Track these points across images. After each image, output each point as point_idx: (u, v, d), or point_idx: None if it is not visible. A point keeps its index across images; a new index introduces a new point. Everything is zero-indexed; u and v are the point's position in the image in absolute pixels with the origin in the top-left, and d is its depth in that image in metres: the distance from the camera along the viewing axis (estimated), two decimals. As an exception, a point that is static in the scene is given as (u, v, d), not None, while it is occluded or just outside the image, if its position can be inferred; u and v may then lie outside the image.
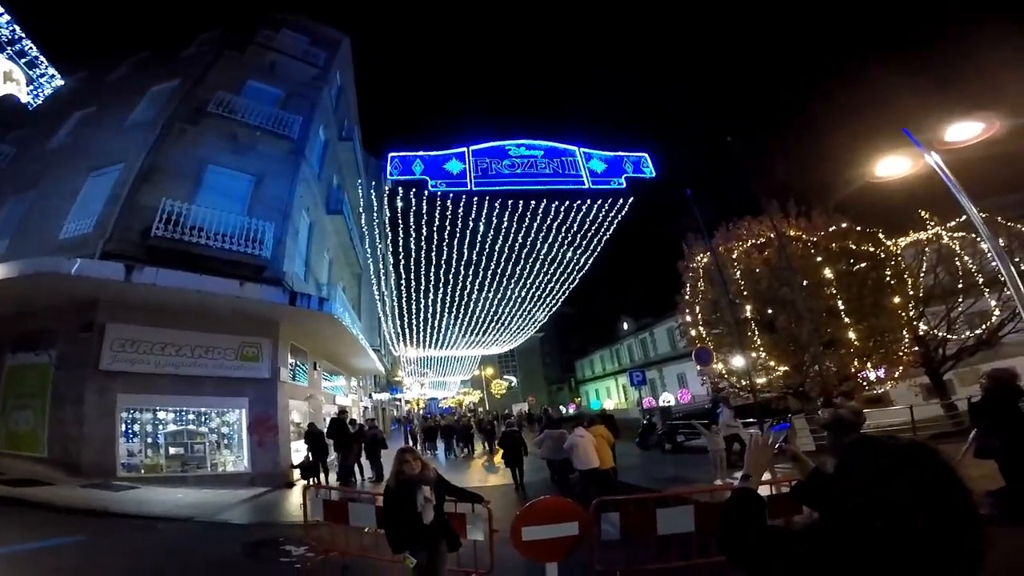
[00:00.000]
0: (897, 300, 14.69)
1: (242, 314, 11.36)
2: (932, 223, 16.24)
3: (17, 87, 12.56)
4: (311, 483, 11.93)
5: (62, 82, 15.10)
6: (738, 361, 15.89)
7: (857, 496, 1.11)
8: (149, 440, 10.42)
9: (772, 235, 15.50)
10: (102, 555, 5.59)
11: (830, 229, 15.36)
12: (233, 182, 13.30)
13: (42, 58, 14.65)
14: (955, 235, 15.95)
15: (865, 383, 14.91)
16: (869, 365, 14.62)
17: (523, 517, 4.11)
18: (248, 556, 6.02)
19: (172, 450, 10.63)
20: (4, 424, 10.27)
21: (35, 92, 15.27)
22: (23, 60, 14.59)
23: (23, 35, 13.84)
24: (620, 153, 13.18)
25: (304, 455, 12.74)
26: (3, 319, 10.66)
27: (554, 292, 22.54)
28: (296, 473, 12.21)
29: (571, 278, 20.70)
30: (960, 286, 15.61)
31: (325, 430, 12.48)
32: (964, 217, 15.83)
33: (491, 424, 21.63)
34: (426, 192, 12.60)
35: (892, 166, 9.38)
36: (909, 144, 9.17)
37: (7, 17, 13.43)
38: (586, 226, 16.06)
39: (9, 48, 14.13)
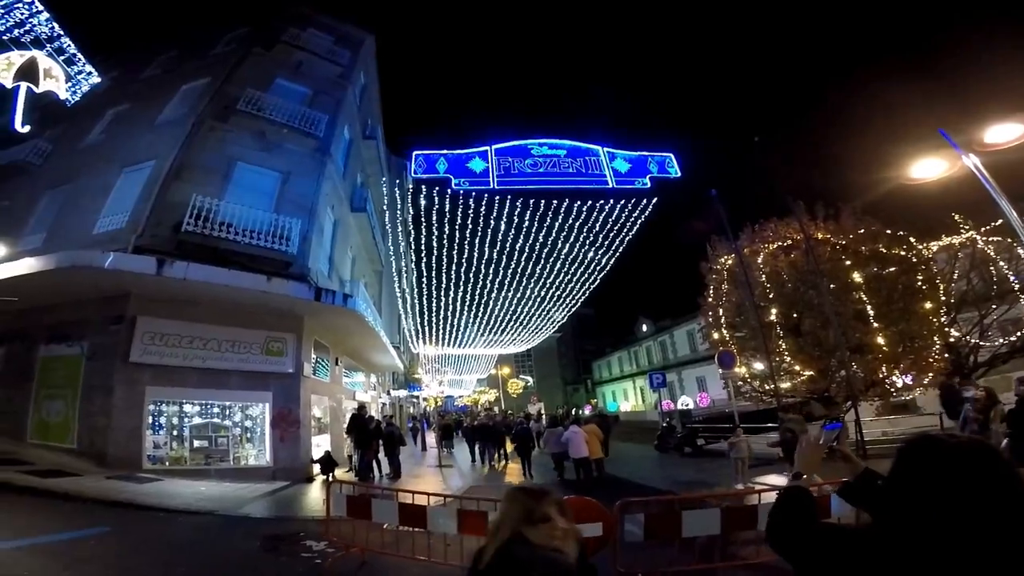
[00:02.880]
0: (929, 305, 14.30)
1: (268, 309, 11.54)
2: (966, 227, 15.78)
3: (56, 84, 12.91)
4: (331, 478, 12.13)
5: (99, 79, 15.49)
6: (759, 365, 15.65)
7: (920, 498, 1.09)
8: (175, 433, 10.60)
9: (799, 237, 15.22)
10: (124, 547, 5.68)
11: (859, 232, 14.99)
12: (261, 179, 13.51)
13: (80, 55, 15.03)
14: (990, 239, 15.49)
15: (893, 389, 14.54)
16: (897, 371, 14.26)
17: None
18: (267, 550, 6.06)
19: (196, 443, 10.80)
20: (37, 414, 10.60)
21: (73, 89, 15.65)
22: (62, 57, 14.96)
23: (61, 32, 14.20)
24: (644, 153, 13.03)
25: (324, 450, 12.97)
26: (38, 311, 11.03)
27: (573, 292, 22.46)
28: (316, 468, 12.41)
29: (591, 278, 20.58)
30: (994, 292, 15.15)
31: (344, 426, 12.60)
32: (1000, 221, 15.54)
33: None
34: (449, 190, 12.66)
35: (928, 168, 9.13)
36: (944, 145, 8.91)
37: (47, 15, 13.82)
38: (608, 226, 15.95)
39: (48, 45, 14.50)
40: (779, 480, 10.27)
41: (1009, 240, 15.38)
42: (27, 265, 9.94)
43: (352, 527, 5.57)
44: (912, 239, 15.42)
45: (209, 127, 13.57)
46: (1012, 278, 14.99)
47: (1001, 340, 15.29)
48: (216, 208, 11.51)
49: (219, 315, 11.07)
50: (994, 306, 15.08)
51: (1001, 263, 15.29)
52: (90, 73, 16.27)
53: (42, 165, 15.58)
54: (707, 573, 4.47)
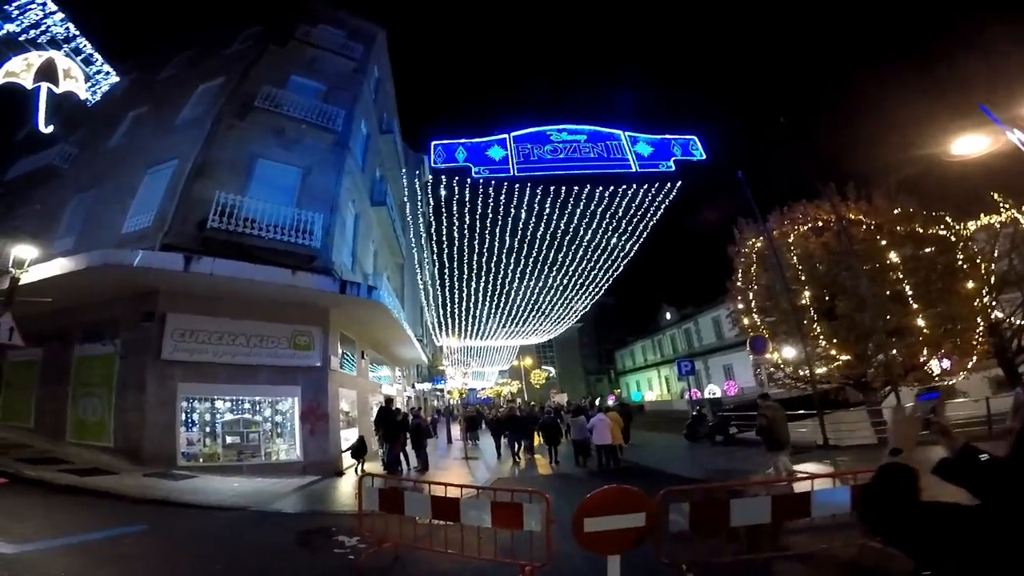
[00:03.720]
0: (970, 285, 13.67)
1: (293, 303, 11.61)
2: (1007, 205, 15.02)
3: (76, 84, 13.12)
4: (360, 464, 12.24)
5: (118, 79, 15.69)
6: (789, 352, 15.20)
7: None
8: (207, 430, 10.72)
9: (830, 218, 14.69)
10: (162, 544, 5.73)
11: (895, 212, 14.36)
12: (282, 175, 13.55)
13: (97, 55, 15.22)
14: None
15: (935, 374, 13.95)
16: (937, 355, 13.68)
17: (586, 507, 3.93)
18: (301, 545, 6.06)
19: (229, 439, 10.91)
20: (74, 412, 10.88)
21: (93, 89, 15.87)
22: (79, 58, 15.17)
23: (77, 32, 14.37)
24: (668, 136, 12.66)
25: (358, 435, 13.07)
26: (72, 311, 11.28)
27: (596, 279, 22.15)
28: (347, 457, 12.52)
29: (614, 265, 20.24)
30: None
31: (372, 419, 12.65)
32: None
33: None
34: (469, 179, 12.49)
35: (969, 144, 8.70)
36: (985, 122, 8.43)
37: (61, 15, 13.97)
38: (631, 211, 15.62)
39: (65, 46, 14.69)
40: (817, 468, 9.97)
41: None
42: (60, 266, 10.15)
43: (385, 521, 5.51)
44: (948, 219, 14.75)
45: (228, 125, 13.65)
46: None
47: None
48: (239, 204, 11.58)
49: (246, 310, 11.17)
50: None
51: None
52: (108, 73, 16.51)
53: (69, 169, 15.94)
54: (755, 564, 4.26)
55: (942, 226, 14.59)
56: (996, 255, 14.88)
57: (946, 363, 14.04)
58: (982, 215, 15.31)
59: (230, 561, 5.33)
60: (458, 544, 4.89)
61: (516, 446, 14.95)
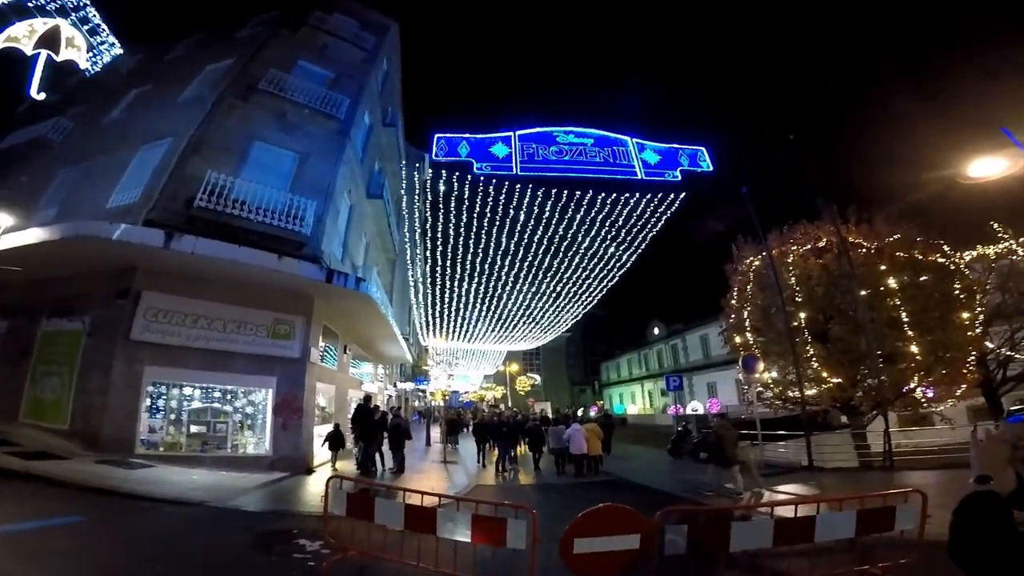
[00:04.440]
0: (965, 315, 13.61)
1: (277, 289, 11.19)
2: (1006, 235, 15.07)
3: (77, 53, 12.71)
4: (335, 458, 11.96)
5: (121, 51, 15.34)
6: (774, 373, 15.06)
7: None
8: (172, 417, 10.20)
9: (830, 240, 14.60)
10: (99, 539, 5.23)
11: (895, 237, 14.31)
12: (278, 159, 13.18)
13: (104, 26, 14.91)
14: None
15: (924, 400, 13.92)
16: (927, 382, 13.59)
17: (577, 527, 3.58)
18: (257, 548, 5.61)
19: (194, 428, 10.40)
20: (32, 392, 10.30)
21: (94, 59, 15.47)
22: (86, 27, 14.81)
23: (87, 2, 14.05)
24: (676, 145, 12.44)
25: (333, 423, 12.72)
26: (43, 284, 10.76)
27: (590, 288, 21.86)
28: (323, 450, 12.13)
29: (609, 275, 19.97)
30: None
31: (350, 416, 12.25)
32: None
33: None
34: (469, 176, 12.19)
35: (986, 167, 8.55)
36: (1004, 144, 8.29)
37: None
38: (631, 221, 15.36)
39: (73, 14, 14.34)
40: (801, 489, 9.71)
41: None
42: (34, 235, 9.69)
43: (352, 526, 5.06)
44: (947, 247, 14.74)
45: (230, 105, 13.32)
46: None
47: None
48: (231, 185, 11.18)
49: (226, 294, 10.73)
50: None
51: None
52: (113, 44, 16.11)
53: (62, 142, 15.52)
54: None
55: (940, 254, 14.55)
56: (989, 286, 14.90)
57: (929, 392, 13.99)
58: (979, 245, 15.36)
59: (174, 562, 4.84)
60: (432, 557, 4.48)
61: (505, 459, 13.88)
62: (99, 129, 15.05)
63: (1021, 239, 14.97)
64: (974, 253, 15.37)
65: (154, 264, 10.01)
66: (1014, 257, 14.95)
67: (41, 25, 12.66)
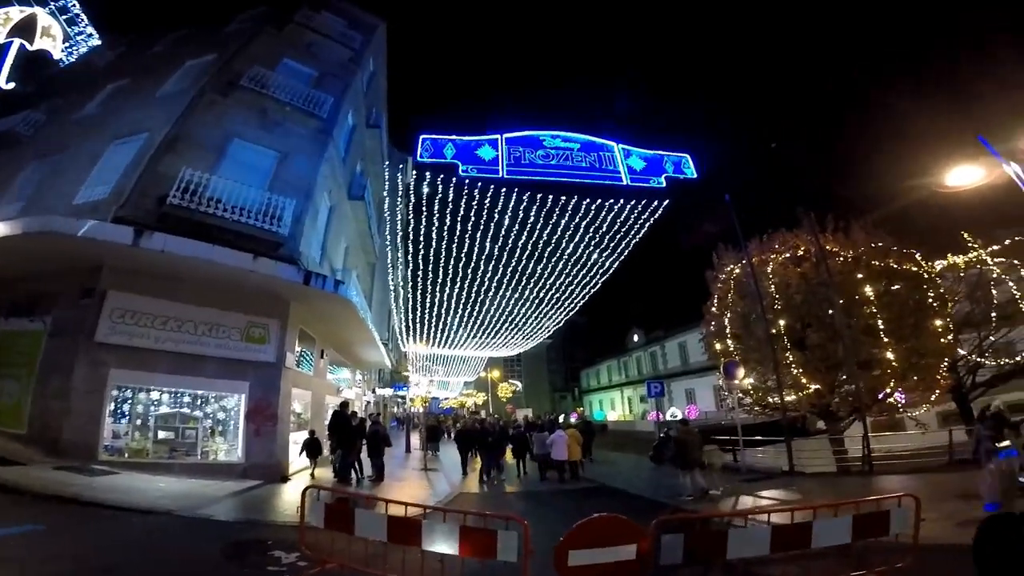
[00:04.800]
0: (939, 323, 13.97)
1: (252, 291, 10.80)
2: (975, 245, 15.56)
3: (52, 43, 12.24)
4: (314, 465, 11.71)
5: (99, 42, 14.84)
6: (759, 378, 15.21)
7: None
8: (138, 422, 9.71)
9: (808, 249, 14.86)
10: (58, 550, 4.84)
11: (871, 246, 14.65)
12: (257, 157, 12.82)
13: (83, 16, 14.42)
14: (997, 260, 15.27)
15: (900, 406, 14.24)
16: (902, 388, 13.88)
17: (572, 538, 3.42)
18: (229, 559, 5.29)
19: (161, 434, 9.93)
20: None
21: (70, 50, 14.98)
22: (64, 17, 14.33)
23: (68, -10, 13.58)
24: (661, 152, 12.50)
25: (308, 431, 12.43)
26: (3, 282, 10.16)
27: (573, 295, 21.81)
28: (301, 458, 11.81)
29: (592, 281, 19.95)
30: (993, 315, 14.91)
31: (327, 423, 11.92)
32: (1008, 241, 15.41)
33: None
34: (454, 179, 12.00)
35: (963, 176, 8.74)
36: (979, 153, 8.50)
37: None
38: (616, 227, 15.37)
39: (52, 3, 13.89)
40: (784, 494, 9.75)
41: (1015, 262, 15.26)
42: (-5, 229, 9.11)
43: (331, 537, 4.79)
44: (919, 256, 15.14)
45: (209, 101, 12.96)
46: (1021, 300, 14.74)
47: (1006, 360, 15.09)
48: (206, 183, 10.80)
49: (198, 295, 10.31)
50: (993, 327, 14.92)
51: (1010, 283, 15.06)
52: (91, 35, 15.64)
53: (33, 136, 14.88)
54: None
55: (913, 264, 14.93)
56: (959, 295, 15.34)
57: (901, 397, 14.28)
58: (949, 255, 15.82)
59: (139, 574, 4.53)
60: (417, 570, 4.27)
61: (491, 469, 13.47)
62: (72, 123, 14.47)
63: (990, 248, 15.46)
64: (944, 263, 15.82)
65: (122, 263, 9.56)
66: (981, 267, 15.42)
67: (17, 13, 12.14)
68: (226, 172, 11.73)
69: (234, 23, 17.54)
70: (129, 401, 9.71)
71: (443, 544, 4.08)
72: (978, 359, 15.20)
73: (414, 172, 14.53)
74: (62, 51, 14.31)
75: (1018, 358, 14.87)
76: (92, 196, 11.31)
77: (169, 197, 10.28)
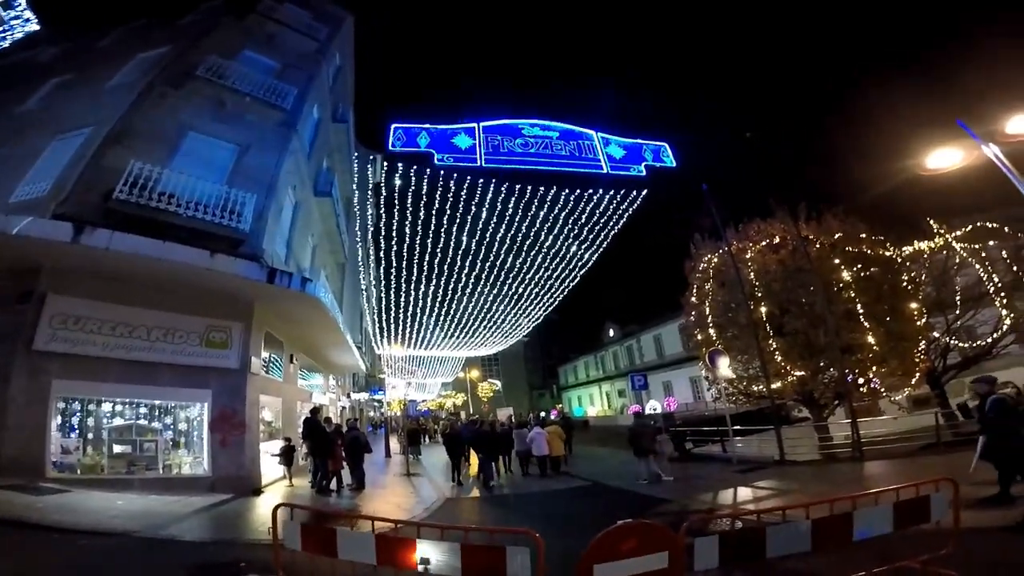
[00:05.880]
0: (913, 305, 14.14)
1: (212, 293, 10.01)
2: (941, 231, 15.84)
3: (-18, 26, 11.07)
4: (290, 474, 11.15)
5: (38, 27, 13.69)
6: (741, 367, 15.14)
7: None
8: (90, 435, 8.87)
9: (784, 236, 14.88)
10: None
11: (854, 228, 14.80)
12: (215, 151, 12.01)
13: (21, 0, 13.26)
14: (963, 245, 15.57)
15: (883, 390, 14.34)
16: (884, 371, 13.97)
17: (595, 551, 2.96)
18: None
19: (117, 448, 9.10)
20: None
21: (3, 35, 13.84)
22: None
23: (0, -29, 12.43)
24: (640, 140, 12.22)
25: (283, 438, 11.99)
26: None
27: (552, 290, 21.46)
28: (276, 466, 11.17)
29: (571, 274, 19.61)
30: (958, 299, 15.21)
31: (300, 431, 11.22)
32: (969, 227, 15.79)
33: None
34: (428, 170, 11.43)
35: (942, 158, 8.74)
36: (957, 135, 8.49)
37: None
38: (595, 217, 15.06)
39: None
40: (782, 484, 9.61)
41: (978, 246, 15.63)
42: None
43: (310, 556, 4.21)
44: (888, 243, 15.34)
45: (160, 93, 12.15)
46: (986, 282, 15.05)
47: (978, 342, 15.38)
48: (158, 176, 9.96)
49: (151, 298, 9.45)
50: (958, 312, 15.15)
51: (976, 266, 15.35)
52: (28, 20, 14.52)
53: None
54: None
55: (884, 249, 15.10)
56: (925, 279, 15.60)
57: (878, 382, 14.37)
58: (915, 241, 16.08)
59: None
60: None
61: (487, 472, 12.32)
62: (10, 119, 13.34)
63: (955, 233, 15.77)
64: (910, 249, 16.07)
65: (63, 263, 8.67)
66: (948, 252, 15.71)
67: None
68: (181, 166, 10.91)
69: (191, 16, 16.70)
70: (78, 414, 8.85)
71: (443, 566, 3.55)
72: (948, 340, 15.47)
73: (386, 164, 13.84)
74: (-6, 36, 13.08)
75: (988, 340, 15.16)
76: (29, 193, 10.41)
77: (115, 192, 9.43)
